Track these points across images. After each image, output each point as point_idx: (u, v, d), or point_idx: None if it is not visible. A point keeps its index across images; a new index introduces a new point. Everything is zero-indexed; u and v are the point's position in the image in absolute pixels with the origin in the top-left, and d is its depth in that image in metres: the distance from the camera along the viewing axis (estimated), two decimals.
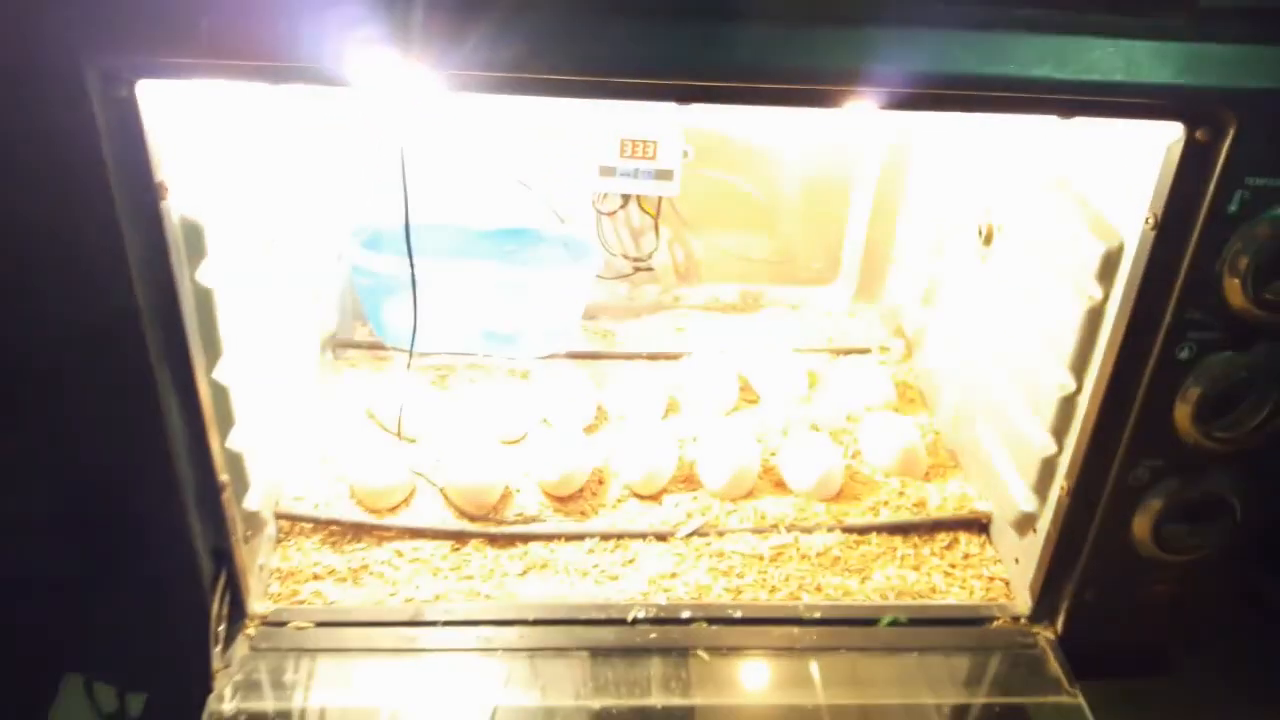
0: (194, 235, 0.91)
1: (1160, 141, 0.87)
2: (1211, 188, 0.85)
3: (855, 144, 1.53)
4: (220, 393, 0.98)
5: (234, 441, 1.01)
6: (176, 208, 0.87)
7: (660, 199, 1.52)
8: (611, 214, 1.54)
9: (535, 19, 0.78)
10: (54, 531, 0.96)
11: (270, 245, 1.16)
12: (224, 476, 0.99)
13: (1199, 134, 0.84)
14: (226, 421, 1.00)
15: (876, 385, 1.44)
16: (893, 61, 0.81)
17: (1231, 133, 0.83)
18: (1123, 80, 0.82)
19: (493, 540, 1.19)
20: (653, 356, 1.52)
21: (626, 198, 1.52)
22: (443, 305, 1.47)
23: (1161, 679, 1.09)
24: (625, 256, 1.57)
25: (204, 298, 0.93)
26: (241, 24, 0.76)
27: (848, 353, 1.54)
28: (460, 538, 1.20)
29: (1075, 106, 0.86)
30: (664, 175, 1.44)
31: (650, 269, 1.60)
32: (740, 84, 0.83)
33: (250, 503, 1.06)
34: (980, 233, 1.24)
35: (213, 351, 0.96)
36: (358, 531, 1.19)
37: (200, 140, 0.95)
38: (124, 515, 0.95)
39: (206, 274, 0.93)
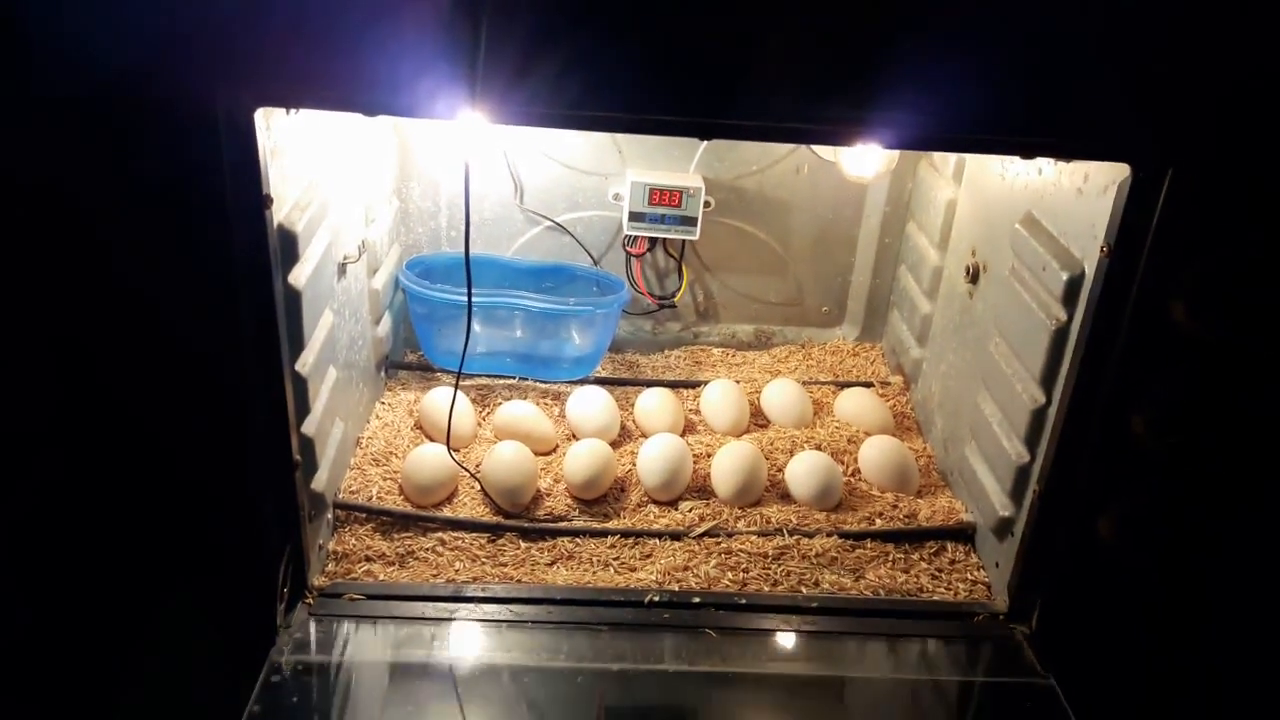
0: (289, 242, 1.07)
1: (1112, 180, 1.02)
2: (1155, 219, 1.00)
3: (859, 199, 1.70)
4: (300, 382, 1.13)
5: (308, 427, 1.16)
6: (276, 217, 1.04)
7: (684, 243, 1.69)
8: (639, 256, 1.70)
9: (586, 69, 0.94)
10: (144, 500, 1.10)
11: (345, 267, 1.33)
12: (297, 456, 1.14)
13: (1143, 173, 0.99)
14: (303, 409, 1.15)
15: (876, 414, 1.57)
16: (883, 109, 0.97)
17: (1171, 171, 0.98)
18: (1075, 126, 0.97)
19: (525, 534, 1.33)
20: (674, 384, 1.66)
21: (654, 241, 1.69)
22: (486, 332, 1.63)
23: (1132, 672, 1.19)
24: (651, 295, 1.73)
25: (293, 298, 1.09)
26: (342, 64, 0.94)
27: (851, 385, 1.67)
28: (496, 531, 1.33)
29: (1034, 148, 1.01)
30: (688, 222, 1.61)
31: (673, 307, 1.76)
32: (750, 123, 0.99)
33: (317, 484, 1.21)
34: (968, 272, 1.39)
35: (296, 346, 1.12)
36: (405, 522, 1.33)
37: (298, 165, 1.12)
38: (210, 488, 1.10)
39: (297, 277, 1.09)
